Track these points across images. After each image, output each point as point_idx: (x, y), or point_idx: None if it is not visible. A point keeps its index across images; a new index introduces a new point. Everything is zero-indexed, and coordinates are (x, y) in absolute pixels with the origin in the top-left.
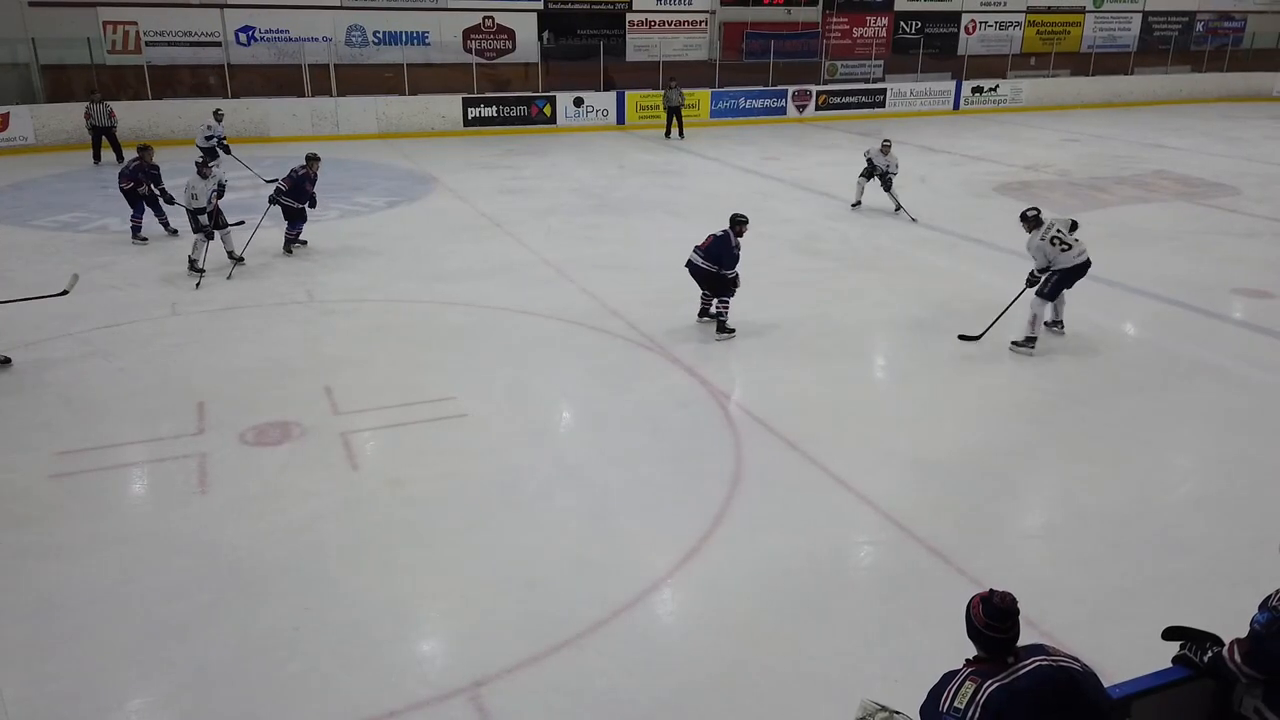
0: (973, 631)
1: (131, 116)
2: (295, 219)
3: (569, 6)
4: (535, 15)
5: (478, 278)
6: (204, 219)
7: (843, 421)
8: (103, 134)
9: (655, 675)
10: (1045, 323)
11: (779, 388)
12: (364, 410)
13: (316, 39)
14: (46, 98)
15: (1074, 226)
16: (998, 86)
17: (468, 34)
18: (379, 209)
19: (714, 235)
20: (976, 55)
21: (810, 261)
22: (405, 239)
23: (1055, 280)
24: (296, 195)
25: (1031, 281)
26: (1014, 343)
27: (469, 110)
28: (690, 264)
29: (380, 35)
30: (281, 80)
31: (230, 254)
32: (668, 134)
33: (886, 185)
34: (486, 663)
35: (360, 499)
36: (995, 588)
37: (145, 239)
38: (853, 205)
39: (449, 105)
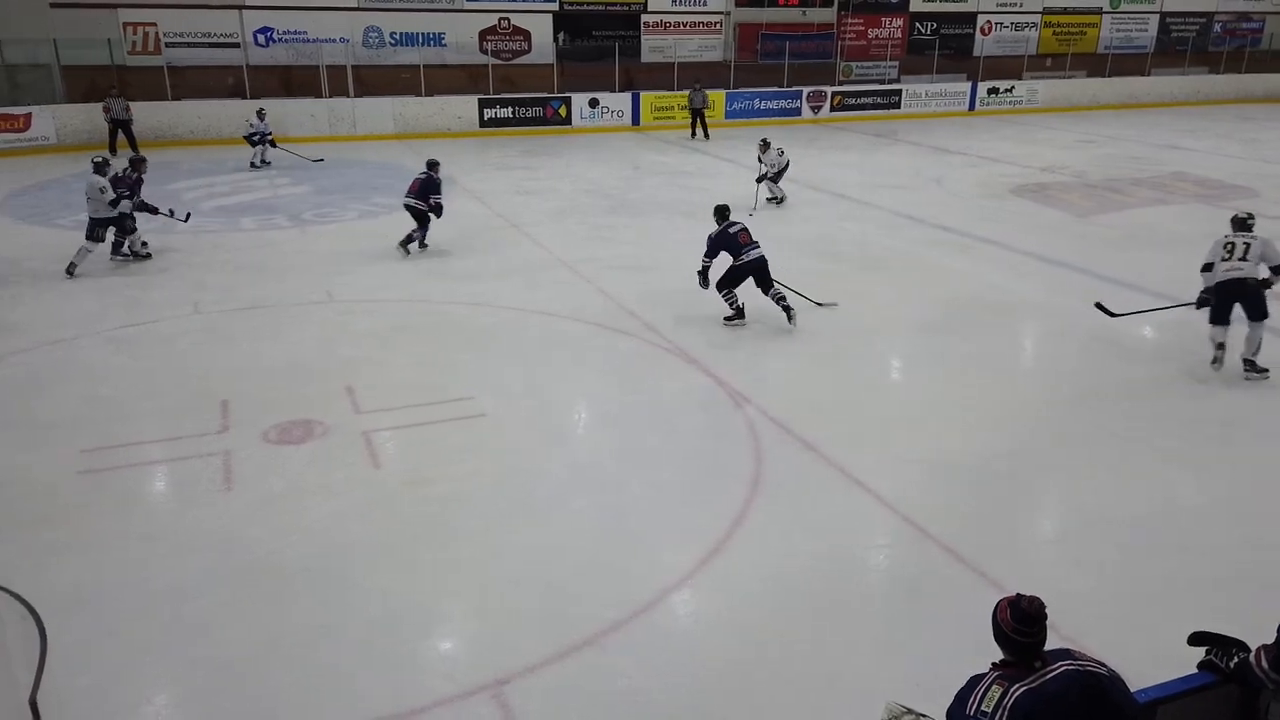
0: (999, 635)
1: (151, 117)
2: (422, 222)
3: (584, 8)
4: (551, 17)
5: (495, 278)
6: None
7: (860, 423)
8: (120, 128)
9: (675, 676)
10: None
11: (796, 389)
12: (385, 410)
13: (334, 40)
14: (67, 98)
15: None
16: (1013, 88)
17: (484, 35)
18: (396, 209)
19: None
20: (992, 56)
21: (825, 263)
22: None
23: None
24: (422, 198)
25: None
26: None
27: (485, 111)
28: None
29: (397, 36)
30: (299, 81)
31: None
32: (692, 134)
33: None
34: (509, 661)
35: (382, 498)
36: (1021, 592)
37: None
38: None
39: (465, 106)
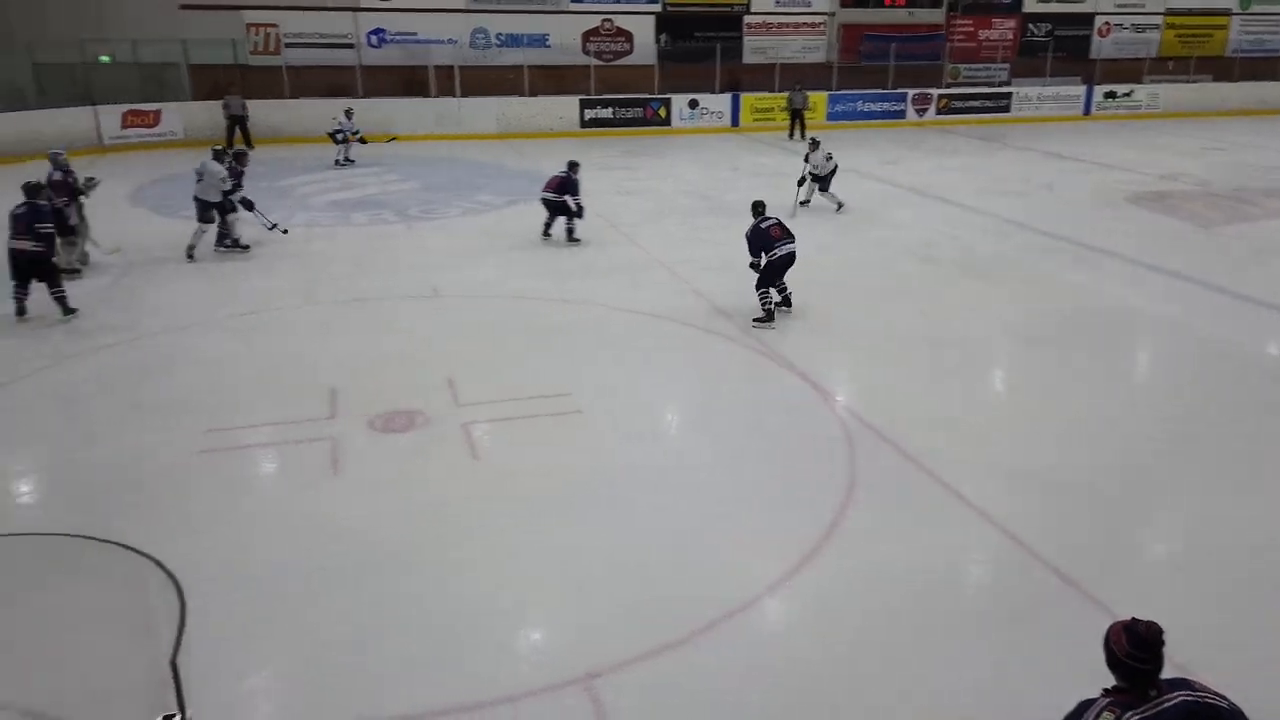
0: (1112, 661)
1: (270, 115)
2: (560, 212)
3: (687, 9)
4: (653, 18)
5: (594, 277)
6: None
7: (963, 435)
8: (237, 124)
9: (764, 681)
10: None
11: (894, 396)
12: (483, 402)
13: (443, 41)
14: (194, 96)
15: None
16: (1132, 92)
17: (587, 36)
18: (499, 207)
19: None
20: (1110, 59)
21: (927, 268)
22: (525, 237)
23: None
24: (560, 194)
25: None
26: None
27: (586, 111)
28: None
29: (503, 37)
30: (408, 81)
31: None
32: (791, 135)
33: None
34: (600, 655)
35: (479, 488)
36: (1136, 616)
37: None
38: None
39: (567, 107)
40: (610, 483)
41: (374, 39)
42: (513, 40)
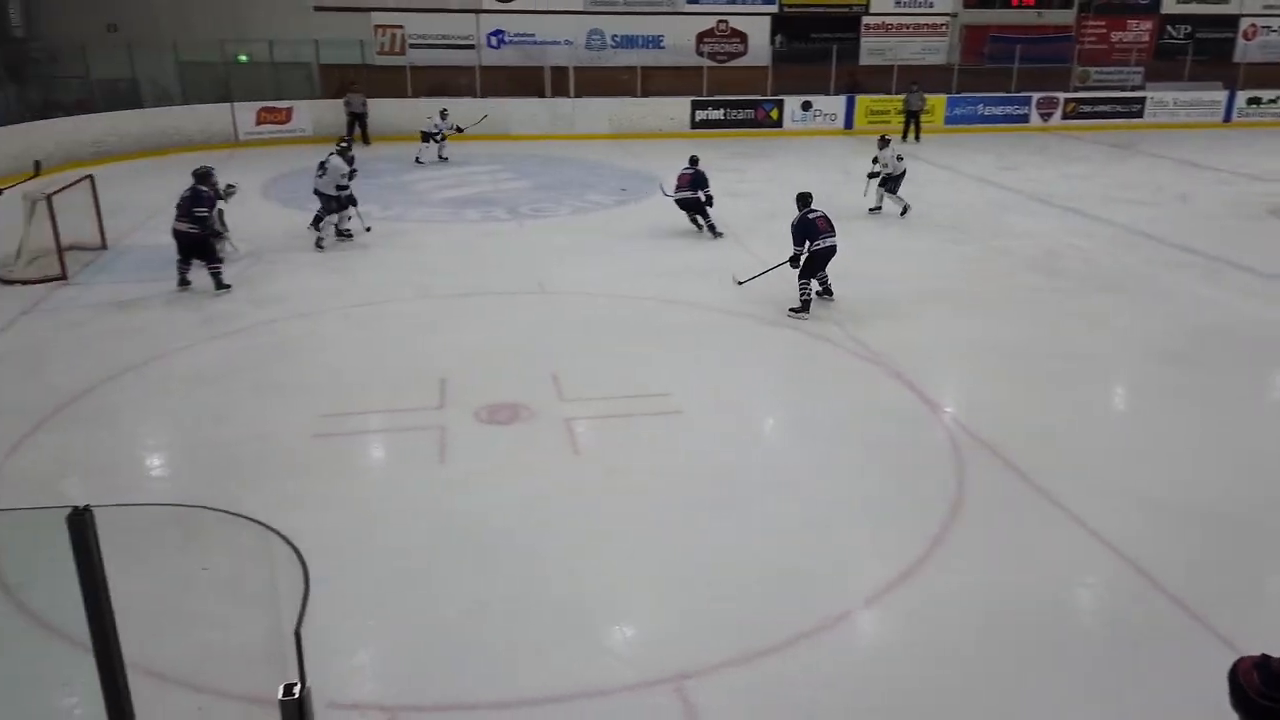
0: (1240, 699)
1: (392, 114)
2: (697, 209)
3: (804, 10)
4: (769, 19)
5: (699, 277)
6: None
7: (1081, 454)
8: (357, 120)
9: (856, 696)
10: None
11: (1008, 410)
12: (586, 399)
13: (559, 42)
14: (323, 94)
15: None
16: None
17: (701, 37)
18: (608, 206)
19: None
20: (1255, 63)
21: (1048, 280)
22: (632, 236)
23: None
24: (695, 188)
25: None
26: None
27: (697, 112)
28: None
29: (618, 38)
30: (524, 81)
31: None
32: (904, 137)
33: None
34: (692, 657)
35: (580, 483)
36: (1267, 653)
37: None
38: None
39: (678, 107)
40: (708, 485)
41: (493, 40)
42: (627, 41)
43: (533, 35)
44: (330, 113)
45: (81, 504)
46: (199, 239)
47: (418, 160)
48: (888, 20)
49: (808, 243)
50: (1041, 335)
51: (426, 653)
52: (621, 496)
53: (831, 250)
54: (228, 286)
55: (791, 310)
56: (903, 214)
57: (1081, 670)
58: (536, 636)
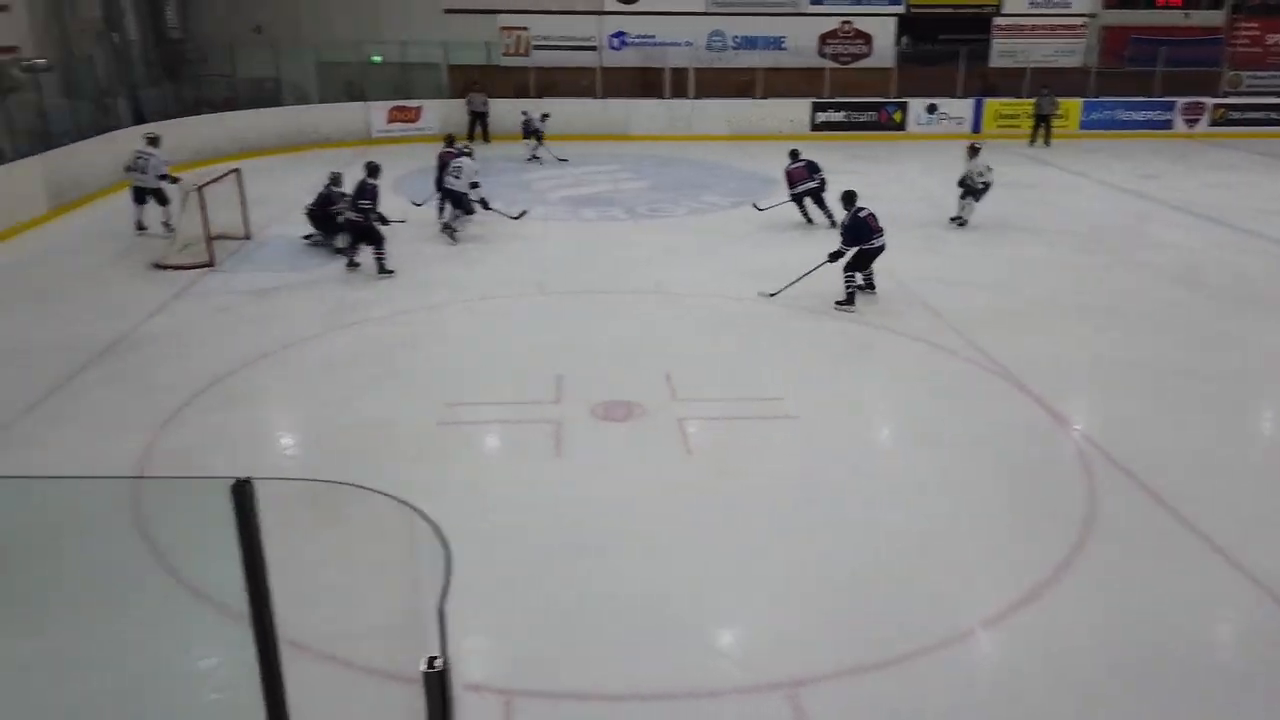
0: None
1: (515, 113)
2: (819, 199)
3: (932, 10)
4: (895, 20)
5: (818, 281)
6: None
7: (1225, 480)
8: (478, 119)
9: (971, 717)
10: None
11: (1145, 430)
12: (699, 400)
13: (680, 43)
14: (450, 94)
15: None
16: None
17: (824, 38)
18: (724, 208)
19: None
20: None
21: (1190, 294)
22: (746, 238)
23: None
24: (812, 174)
25: None
26: None
27: (817, 114)
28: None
29: (739, 39)
30: (643, 82)
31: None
32: (1032, 141)
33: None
34: (805, 664)
35: (691, 483)
36: None
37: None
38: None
39: (798, 109)
40: (823, 492)
41: (615, 41)
42: (748, 42)
43: (654, 37)
44: (457, 112)
45: (234, 478)
46: (362, 227)
47: (534, 158)
48: (1021, 21)
49: (859, 243)
50: (1182, 352)
51: (540, 641)
52: (734, 499)
53: (881, 249)
54: (390, 271)
55: (838, 304)
56: (959, 223)
57: (1220, 710)
58: (647, 633)
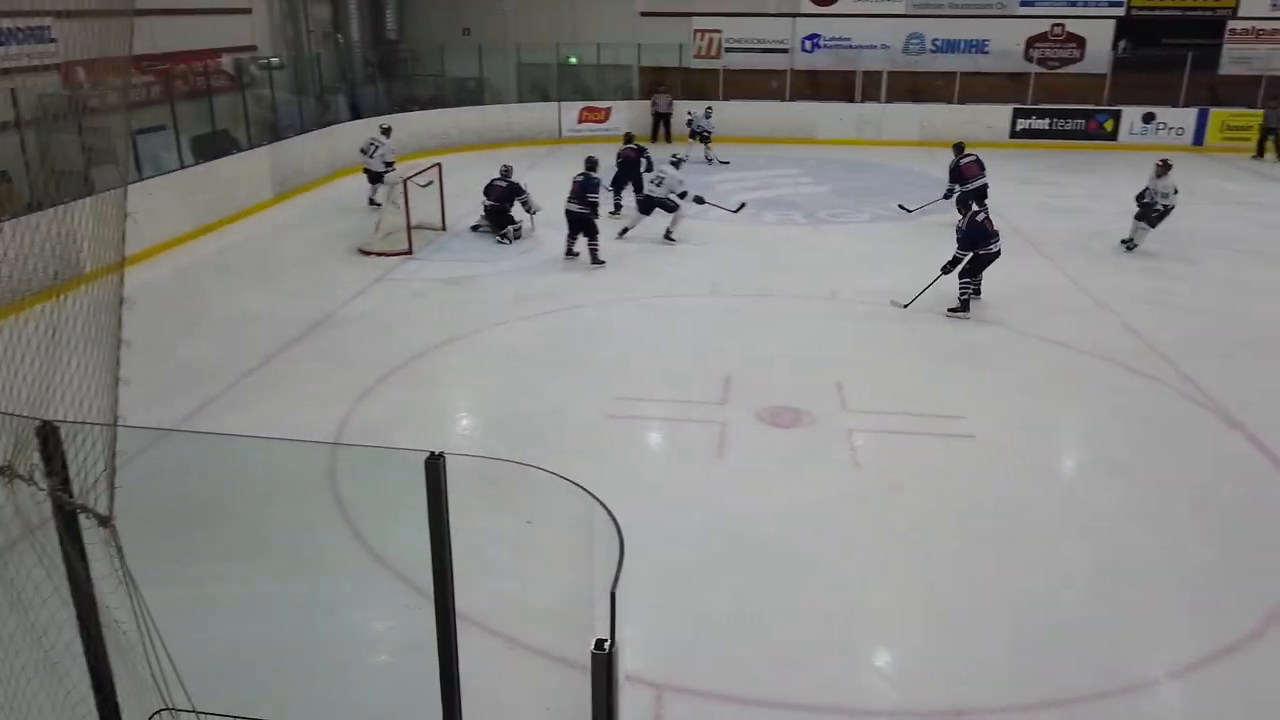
0: None
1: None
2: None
3: (1156, 13)
4: (1113, 23)
5: (1004, 297)
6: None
7: None
8: (661, 120)
9: None
10: None
11: None
12: (871, 411)
13: (874, 46)
14: (641, 95)
15: None
16: None
17: (1030, 42)
18: (910, 217)
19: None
20: None
21: None
22: (931, 250)
23: None
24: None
25: None
26: None
27: (1018, 121)
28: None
29: (938, 43)
30: (833, 85)
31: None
32: (1259, 154)
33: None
34: (964, 695)
35: (858, 496)
36: None
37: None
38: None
39: (997, 115)
40: (999, 517)
41: (807, 44)
42: (948, 46)
43: (849, 39)
44: (646, 113)
45: (431, 451)
46: (586, 219)
47: (709, 160)
48: (1259, 25)
49: (976, 248)
50: None
51: (693, 639)
52: (902, 516)
53: (998, 254)
54: (602, 262)
55: (950, 310)
56: (1128, 247)
57: None
58: (800, 642)
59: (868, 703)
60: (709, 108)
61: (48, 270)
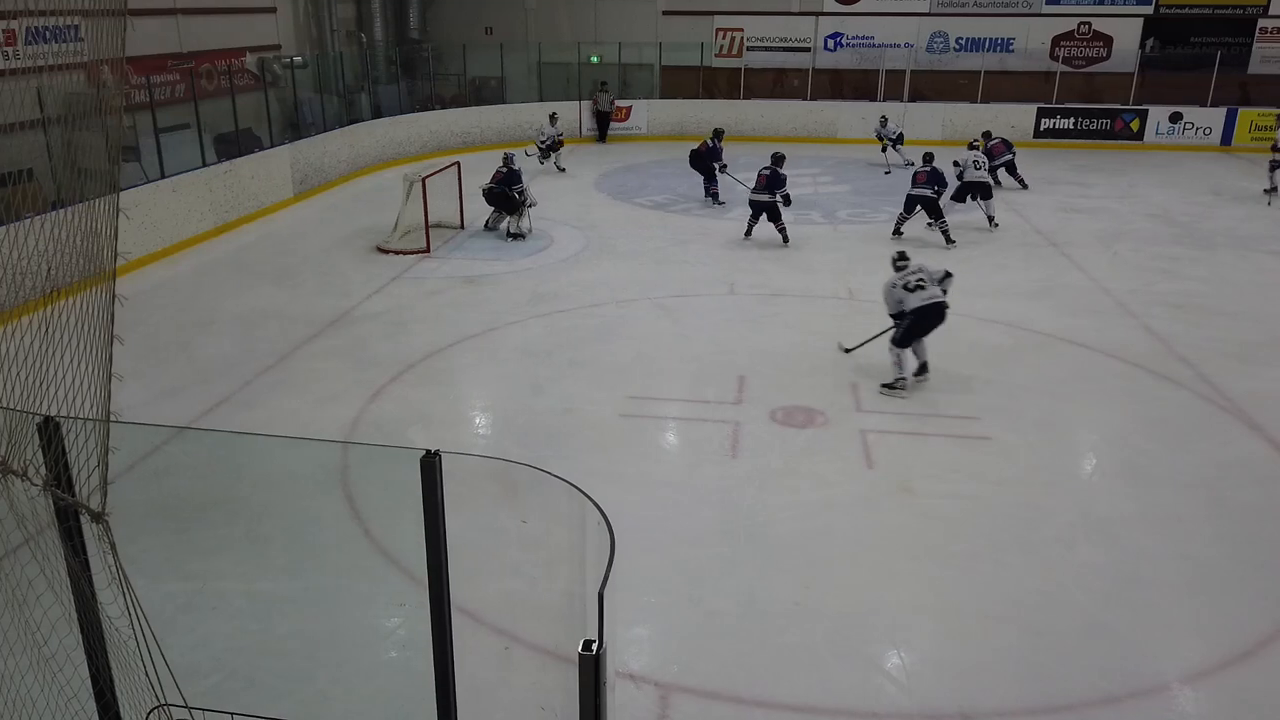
0: None
1: (721, 115)
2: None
3: (1185, 11)
4: (1141, 21)
5: (1023, 297)
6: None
7: None
8: (603, 119)
9: None
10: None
11: None
12: (886, 412)
13: (898, 45)
14: (661, 94)
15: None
16: None
17: (1056, 40)
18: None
19: None
20: None
21: None
22: (948, 251)
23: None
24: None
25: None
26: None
27: (1042, 121)
28: None
29: (963, 42)
30: (854, 84)
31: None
32: None
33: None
34: (974, 698)
35: (870, 497)
36: None
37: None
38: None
39: (1021, 115)
40: (1012, 519)
41: (830, 43)
42: (973, 44)
43: (872, 38)
44: (666, 112)
45: (427, 449)
46: (770, 206)
47: (906, 164)
48: None
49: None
50: None
51: (701, 639)
52: (914, 518)
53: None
54: (787, 241)
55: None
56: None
57: None
58: (809, 644)
59: (875, 705)
60: (883, 116)
61: (75, 266)
